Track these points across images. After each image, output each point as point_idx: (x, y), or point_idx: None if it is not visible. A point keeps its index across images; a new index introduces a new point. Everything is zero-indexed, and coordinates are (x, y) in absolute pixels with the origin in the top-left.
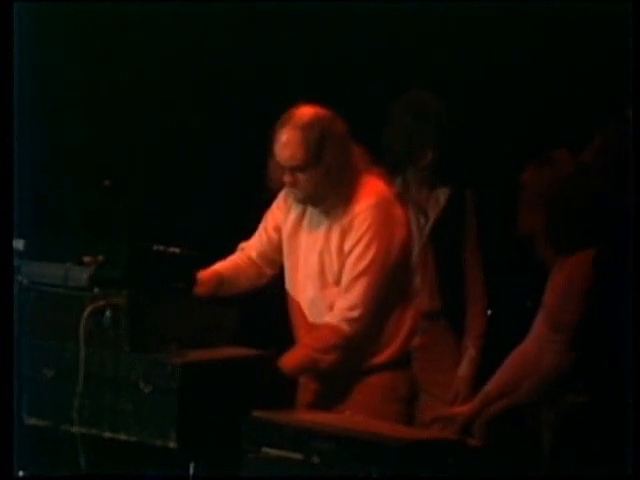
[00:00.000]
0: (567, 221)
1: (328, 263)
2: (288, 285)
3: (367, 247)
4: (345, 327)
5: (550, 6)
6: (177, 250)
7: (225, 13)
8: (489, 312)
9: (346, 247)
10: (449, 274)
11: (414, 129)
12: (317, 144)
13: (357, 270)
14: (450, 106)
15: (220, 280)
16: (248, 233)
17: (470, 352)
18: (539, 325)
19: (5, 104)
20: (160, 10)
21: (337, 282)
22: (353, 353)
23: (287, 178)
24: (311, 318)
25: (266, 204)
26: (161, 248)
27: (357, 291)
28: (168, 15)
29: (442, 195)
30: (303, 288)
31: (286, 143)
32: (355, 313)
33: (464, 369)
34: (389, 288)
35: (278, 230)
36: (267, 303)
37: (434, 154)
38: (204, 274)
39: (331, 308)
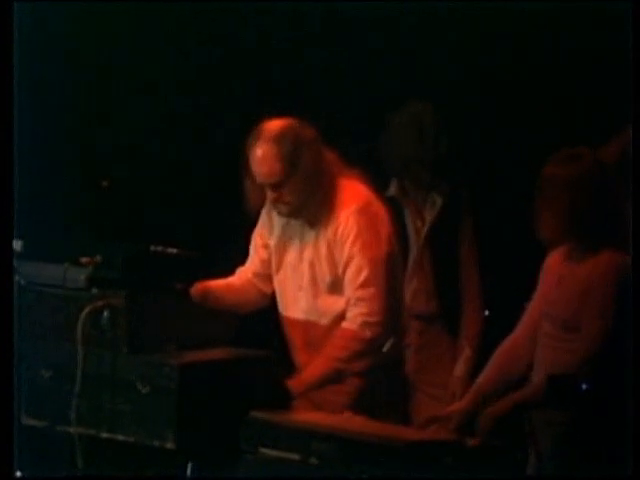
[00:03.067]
0: (589, 216)
1: (319, 273)
2: (279, 299)
3: (363, 255)
4: (367, 333)
5: (550, 6)
6: (175, 251)
7: (229, 14)
8: (486, 312)
9: (341, 259)
10: (446, 276)
11: (412, 151)
12: (291, 155)
13: (361, 279)
14: (449, 120)
15: (204, 294)
16: (247, 234)
17: (466, 352)
18: (534, 319)
19: (5, 104)
20: (160, 10)
21: (331, 291)
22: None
23: (270, 195)
24: (305, 332)
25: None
26: (159, 249)
27: (370, 297)
28: (168, 15)
29: (438, 197)
30: (295, 300)
31: (261, 160)
32: (375, 317)
33: (460, 368)
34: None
35: (267, 247)
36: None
37: (430, 172)
38: (196, 286)
39: (326, 314)
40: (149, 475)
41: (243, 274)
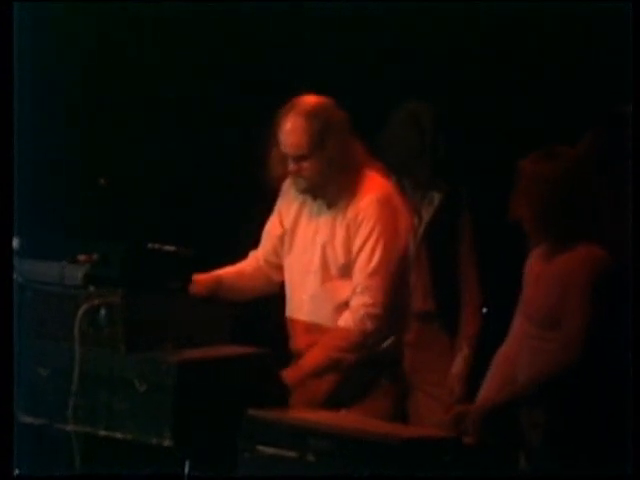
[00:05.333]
0: (564, 213)
1: (332, 256)
2: (287, 283)
3: (377, 243)
4: (369, 324)
5: (550, 6)
6: (172, 249)
7: (228, 12)
8: (484, 310)
9: (355, 244)
10: (443, 275)
11: (412, 148)
12: (321, 132)
13: (371, 267)
14: (448, 119)
15: (218, 283)
16: (248, 233)
17: (464, 350)
18: (520, 324)
19: (5, 104)
20: (160, 9)
21: (341, 275)
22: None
23: (291, 166)
24: (310, 316)
25: (265, 201)
26: (156, 246)
27: (376, 288)
28: (168, 14)
29: (436, 195)
30: (302, 284)
31: (290, 131)
32: (378, 310)
33: (458, 367)
34: (400, 281)
35: (280, 237)
36: (263, 301)
37: (428, 170)
38: (202, 276)
39: (335, 299)
40: (147, 473)
41: (254, 259)
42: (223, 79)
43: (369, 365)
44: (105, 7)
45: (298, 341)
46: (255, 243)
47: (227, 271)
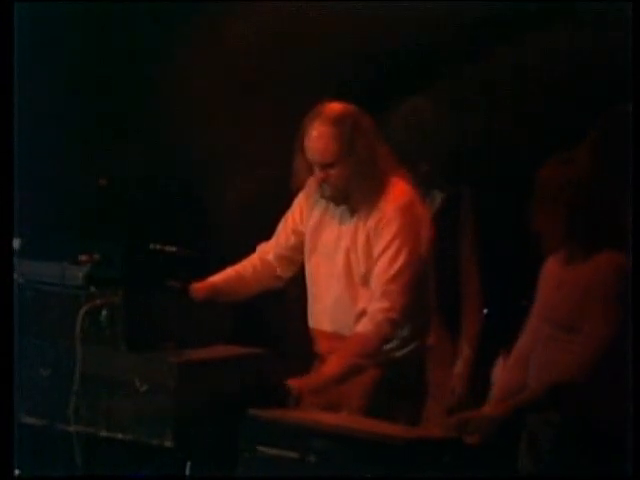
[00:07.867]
0: (587, 218)
1: (355, 262)
2: (310, 288)
3: (398, 251)
4: (387, 329)
5: (550, 6)
6: (173, 249)
7: (226, 12)
8: (485, 311)
9: (376, 250)
10: (445, 275)
11: (411, 145)
12: (349, 138)
13: (390, 274)
14: (448, 117)
15: (216, 290)
16: (248, 233)
17: (466, 350)
18: (536, 323)
19: (5, 104)
20: (160, 9)
21: (364, 283)
22: None
23: (318, 174)
24: (333, 322)
25: (266, 201)
26: (157, 247)
27: (395, 293)
28: (168, 15)
29: (438, 195)
30: (327, 288)
31: (318, 138)
32: (396, 315)
33: (460, 367)
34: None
35: (296, 233)
36: (264, 302)
37: (429, 168)
38: (200, 284)
39: (356, 307)
40: (148, 474)
41: (258, 257)
42: (222, 79)
43: (394, 369)
44: (105, 7)
45: (321, 346)
46: (255, 244)
47: (226, 275)
